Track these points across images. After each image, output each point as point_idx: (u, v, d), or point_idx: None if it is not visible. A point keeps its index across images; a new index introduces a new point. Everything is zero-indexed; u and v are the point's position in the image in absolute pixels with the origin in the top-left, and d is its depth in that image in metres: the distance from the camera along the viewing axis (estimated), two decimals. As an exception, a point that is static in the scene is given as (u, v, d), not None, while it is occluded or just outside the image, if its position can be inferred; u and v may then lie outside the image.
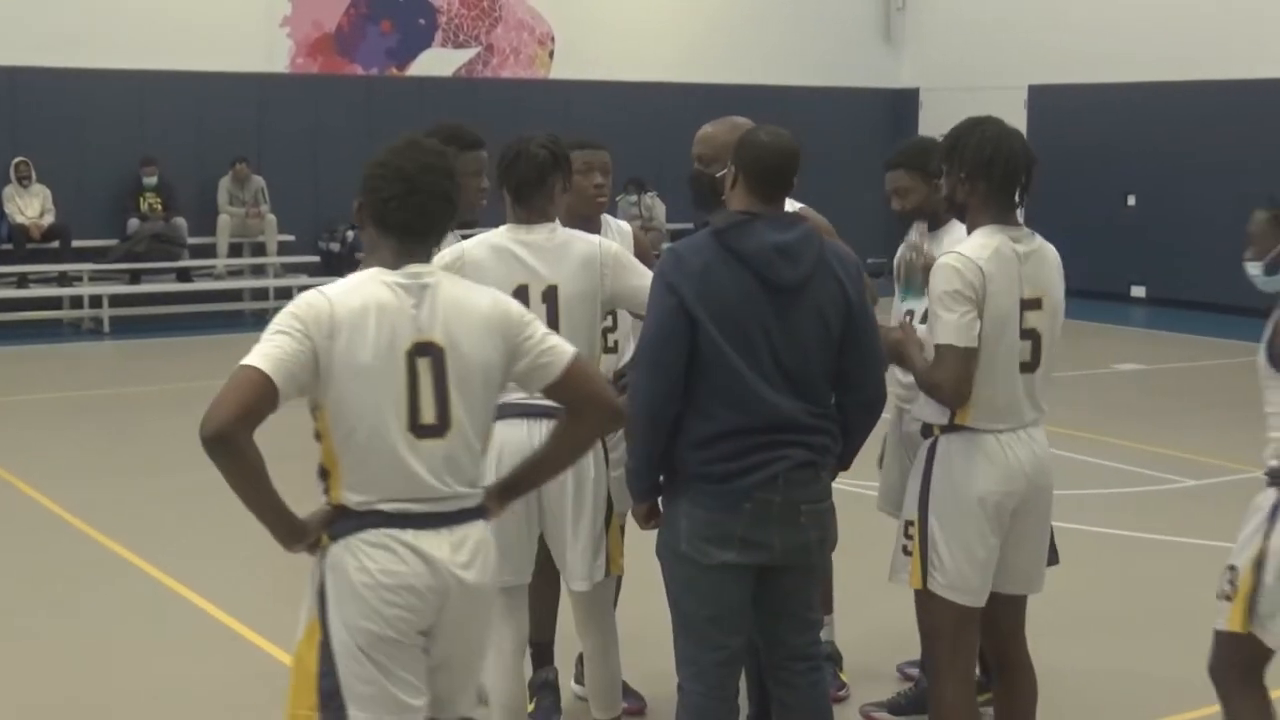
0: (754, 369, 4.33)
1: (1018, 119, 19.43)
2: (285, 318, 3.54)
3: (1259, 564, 4.51)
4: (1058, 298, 4.75)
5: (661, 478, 4.53)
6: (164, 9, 18.27)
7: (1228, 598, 4.60)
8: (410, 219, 3.66)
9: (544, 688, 5.90)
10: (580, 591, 5.00)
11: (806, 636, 4.60)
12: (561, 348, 3.79)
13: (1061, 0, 20.97)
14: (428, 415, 3.60)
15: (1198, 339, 16.35)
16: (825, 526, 4.52)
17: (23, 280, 17.30)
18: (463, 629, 3.71)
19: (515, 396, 4.77)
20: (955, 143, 4.69)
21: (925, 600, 4.73)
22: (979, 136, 4.64)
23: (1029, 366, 4.67)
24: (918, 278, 5.21)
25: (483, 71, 20.50)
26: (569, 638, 5.68)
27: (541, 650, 5.91)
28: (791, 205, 5.69)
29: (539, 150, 4.93)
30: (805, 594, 4.58)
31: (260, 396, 3.40)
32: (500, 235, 4.93)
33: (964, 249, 4.58)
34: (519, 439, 4.77)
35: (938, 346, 4.55)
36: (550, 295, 4.84)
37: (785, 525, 4.39)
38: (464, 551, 3.65)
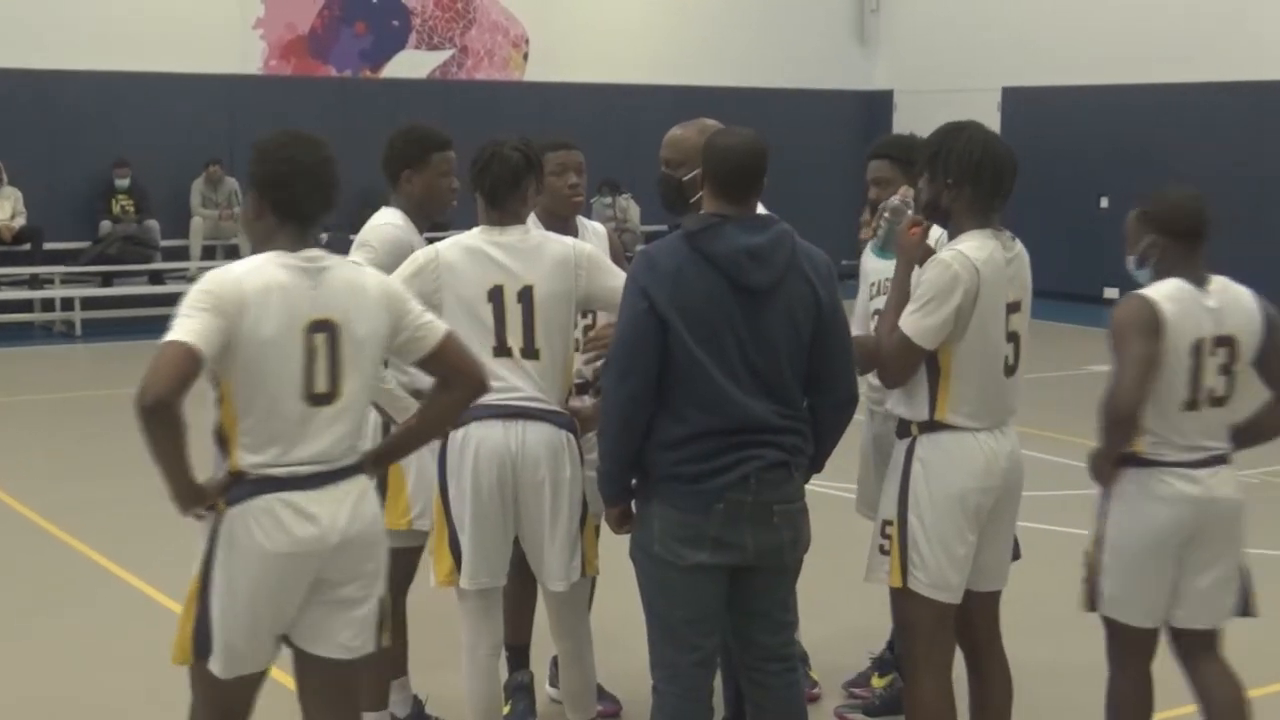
0: (725, 371, 4.34)
1: (991, 121, 19.50)
2: (200, 295, 3.83)
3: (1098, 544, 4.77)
4: (1029, 300, 4.80)
5: (634, 480, 4.53)
6: (136, 10, 18.19)
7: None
8: (313, 208, 4.02)
9: (518, 690, 5.88)
10: (556, 593, 4.99)
11: (780, 637, 4.60)
12: (436, 324, 4.15)
13: (1036, 3, 21.04)
14: (321, 385, 3.93)
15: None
16: (798, 527, 4.52)
17: (-7, 283, 17.23)
18: (347, 575, 4.00)
19: (490, 398, 4.78)
20: (940, 148, 4.67)
21: (904, 599, 4.73)
22: (965, 141, 4.64)
23: (1011, 369, 4.70)
24: (894, 240, 5.12)
25: (457, 73, 20.47)
26: (543, 641, 5.66)
27: (517, 653, 5.90)
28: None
29: (512, 153, 4.94)
30: (779, 594, 4.58)
31: (191, 367, 3.71)
32: (473, 237, 4.93)
33: (963, 247, 4.58)
34: (495, 438, 4.80)
35: (902, 334, 4.57)
36: (525, 295, 4.84)
37: (758, 526, 4.39)
38: (345, 506, 3.97)
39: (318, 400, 3.93)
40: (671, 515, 4.40)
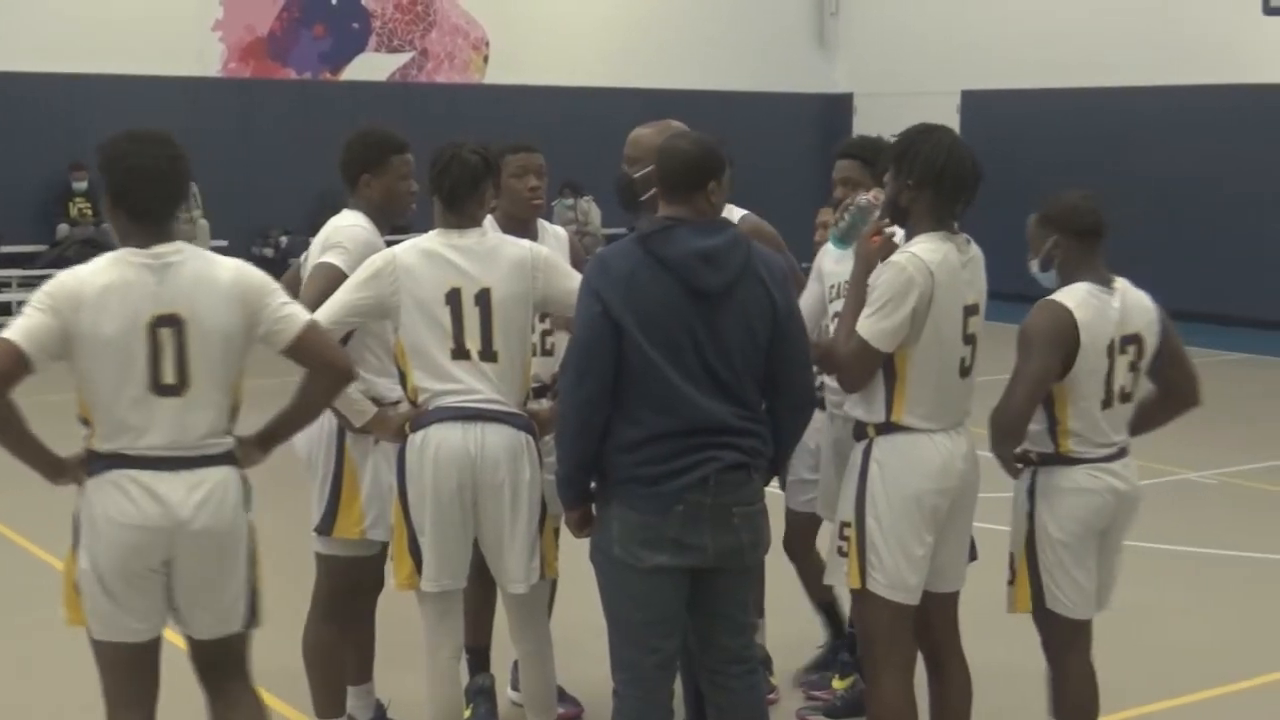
0: (681, 373, 4.35)
1: (951, 123, 19.51)
2: (40, 296, 4.13)
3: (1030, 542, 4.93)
4: (985, 302, 4.86)
5: (593, 484, 4.53)
6: (94, 12, 18.10)
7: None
8: (163, 208, 4.21)
9: (480, 694, 5.87)
10: (516, 595, 4.98)
11: (741, 639, 4.61)
12: (297, 316, 4.29)
13: (995, 6, 21.15)
14: (168, 377, 4.12)
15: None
16: (758, 529, 4.53)
17: (-50, 287, 17.11)
18: (199, 562, 4.22)
19: (449, 400, 4.77)
20: (907, 149, 4.70)
21: (863, 600, 4.75)
22: (932, 145, 4.66)
23: (966, 370, 4.72)
24: (858, 225, 5.10)
25: (417, 76, 20.43)
26: (504, 644, 5.65)
27: (477, 656, 5.89)
28: (738, 213, 5.73)
29: (471, 156, 4.93)
30: (739, 596, 4.59)
31: (13, 363, 4.02)
32: (430, 240, 4.92)
33: (918, 250, 4.60)
34: (454, 440, 4.79)
35: (860, 338, 4.58)
36: (483, 298, 4.83)
37: (717, 527, 4.40)
38: (198, 493, 4.16)
39: (165, 391, 4.13)
40: (631, 517, 4.41)
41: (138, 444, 4.14)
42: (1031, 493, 4.90)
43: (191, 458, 4.18)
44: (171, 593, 4.27)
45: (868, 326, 4.58)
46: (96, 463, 4.19)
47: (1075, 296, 4.80)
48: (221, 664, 4.44)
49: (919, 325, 4.60)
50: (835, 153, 5.77)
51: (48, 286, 4.16)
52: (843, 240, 5.16)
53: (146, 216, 4.20)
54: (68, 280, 4.16)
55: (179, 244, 4.22)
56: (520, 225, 5.49)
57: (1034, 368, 4.71)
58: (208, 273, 4.20)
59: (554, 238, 5.74)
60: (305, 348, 4.29)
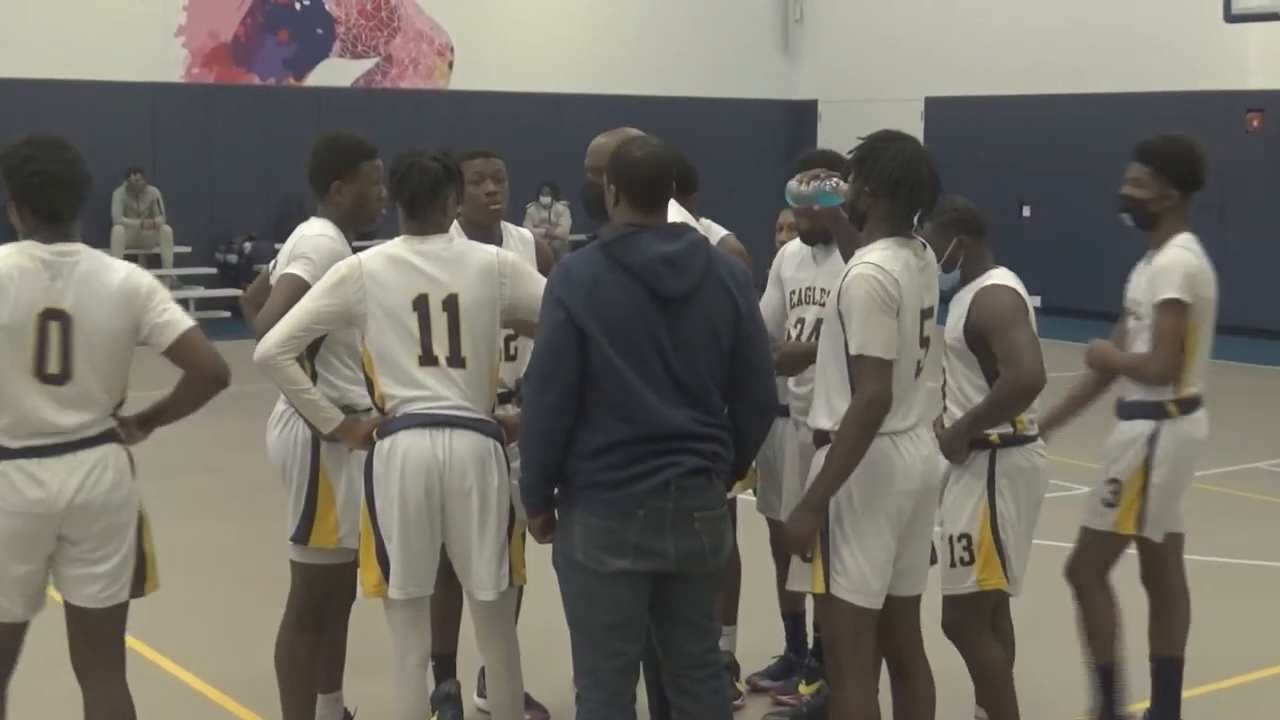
0: (644, 379, 4.37)
1: (914, 130, 19.41)
2: None
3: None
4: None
5: (555, 489, 4.55)
6: (57, 17, 18.01)
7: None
8: (65, 209, 4.44)
9: (446, 700, 5.87)
10: (484, 601, 4.96)
11: (705, 643, 4.62)
12: (177, 321, 4.52)
13: (958, 13, 21.24)
14: (53, 367, 4.39)
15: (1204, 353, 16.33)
16: (720, 534, 4.55)
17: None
18: (81, 534, 4.47)
19: (416, 407, 4.76)
20: (867, 154, 4.72)
21: (827, 605, 4.76)
22: (891, 155, 4.67)
23: (919, 372, 4.76)
24: (806, 204, 5.11)
25: (381, 82, 20.40)
26: (470, 650, 5.65)
27: (443, 662, 5.88)
28: (718, 232, 5.76)
29: (431, 163, 4.90)
30: (702, 601, 4.60)
31: None
32: (396, 246, 4.90)
33: (876, 259, 4.61)
34: (421, 447, 4.77)
35: (864, 358, 4.55)
36: (450, 303, 4.82)
37: (679, 533, 4.42)
38: (79, 473, 4.43)
39: (49, 380, 4.39)
40: (593, 522, 4.42)
41: (22, 429, 4.41)
42: (992, 474, 5.17)
43: (71, 442, 4.44)
44: (59, 568, 4.55)
45: (873, 345, 4.54)
46: None
47: (1010, 279, 5.20)
48: (101, 636, 4.62)
49: (884, 331, 4.64)
50: (794, 164, 5.77)
51: None
52: (797, 200, 5.15)
53: (52, 218, 4.45)
54: None
55: (78, 245, 4.47)
56: (482, 230, 5.48)
57: (1027, 333, 5.05)
58: (98, 274, 4.45)
59: (519, 241, 5.74)
60: (182, 352, 4.53)
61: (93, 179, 4.58)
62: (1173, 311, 5.44)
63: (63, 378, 4.41)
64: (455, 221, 5.25)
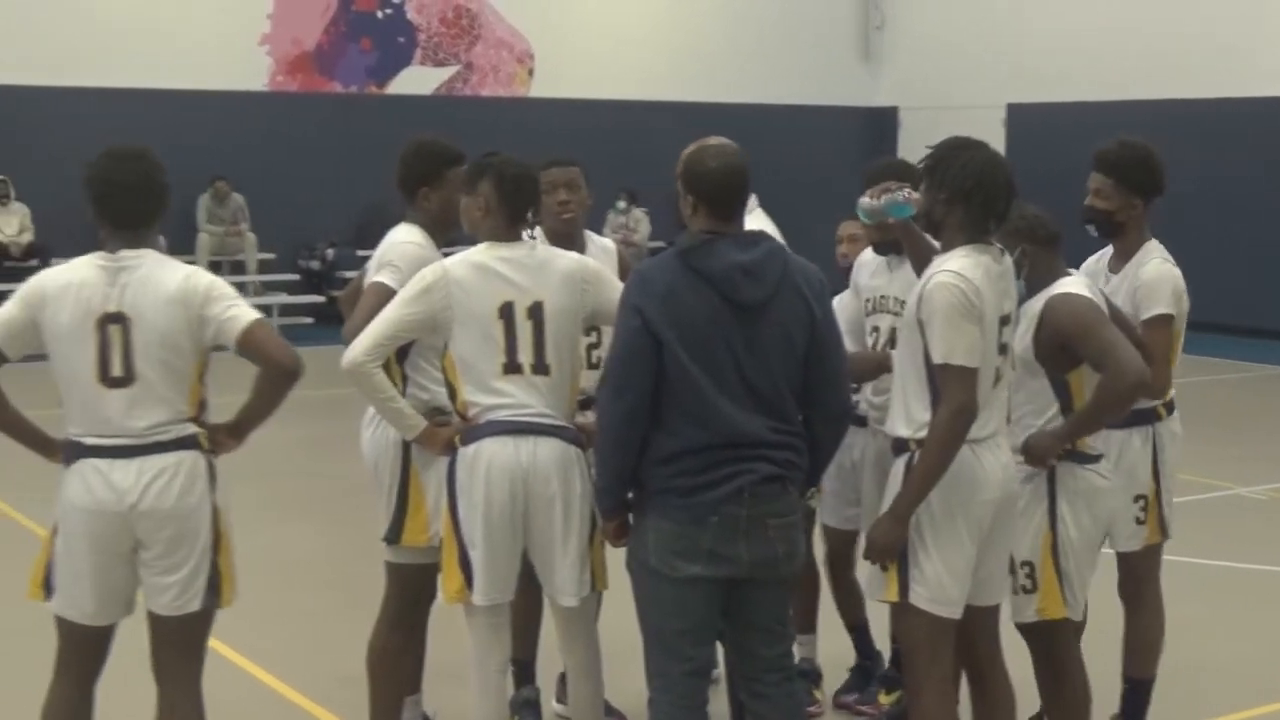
0: (719, 387, 4.39)
1: (996, 137, 19.51)
2: (16, 293, 4.61)
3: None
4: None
5: (630, 494, 4.57)
6: (144, 28, 18.26)
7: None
8: (132, 219, 4.58)
9: (525, 706, 5.89)
10: (566, 607, 4.98)
11: (778, 649, 4.64)
12: (241, 316, 4.54)
13: (1040, 19, 21.07)
14: (116, 370, 4.50)
15: (1182, 356, 16.19)
16: (793, 540, 4.57)
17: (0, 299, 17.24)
18: (151, 540, 4.52)
19: (501, 415, 4.79)
20: (939, 163, 4.71)
21: (904, 614, 4.74)
22: (964, 161, 4.66)
23: (998, 380, 4.72)
24: (884, 208, 5.07)
25: (462, 89, 20.52)
26: (549, 657, 5.67)
27: (522, 668, 5.90)
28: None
29: (506, 169, 4.94)
30: (775, 607, 4.62)
31: None
32: (480, 253, 4.93)
33: (957, 267, 4.59)
34: (506, 454, 4.80)
35: (949, 367, 4.53)
36: (535, 311, 4.85)
37: (752, 539, 4.44)
38: (147, 478, 4.49)
39: (113, 383, 4.49)
40: (666, 528, 4.45)
41: (93, 431, 4.52)
42: (1053, 497, 4.97)
43: (141, 445, 4.51)
44: (140, 573, 4.60)
45: (957, 354, 4.52)
46: (69, 450, 4.59)
47: (1078, 284, 5.01)
48: (177, 643, 4.66)
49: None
50: (863, 175, 5.74)
51: (23, 285, 4.65)
52: (869, 216, 5.14)
53: (122, 227, 4.59)
54: (39, 277, 4.64)
55: (145, 251, 4.58)
56: (561, 239, 5.50)
57: (1115, 332, 4.90)
58: (157, 277, 4.53)
59: (601, 250, 5.76)
60: (251, 345, 4.54)
61: (170, 189, 4.68)
62: (1164, 326, 5.46)
63: (127, 380, 4.50)
64: (540, 228, 5.28)
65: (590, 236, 5.78)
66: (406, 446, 5.18)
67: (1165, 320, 5.47)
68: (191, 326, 4.52)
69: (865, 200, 5.10)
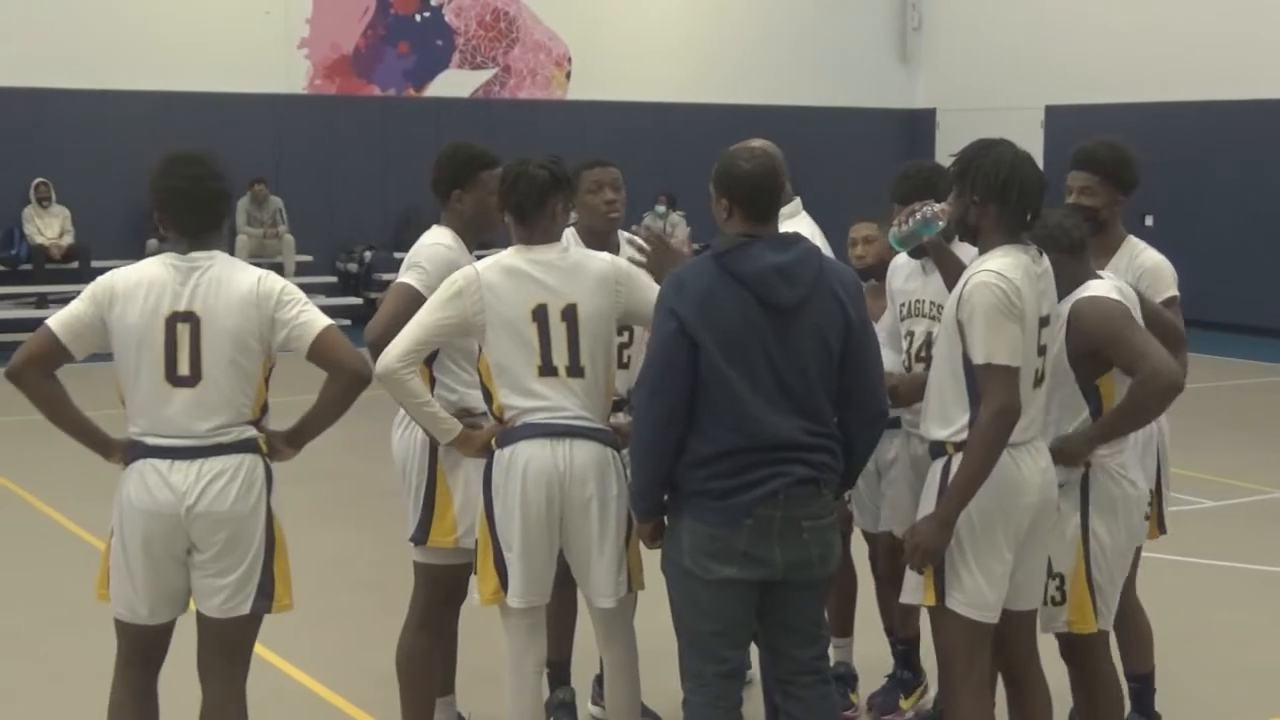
0: (755, 389, 4.39)
1: (1035, 139, 19.44)
2: (88, 287, 4.65)
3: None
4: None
5: (665, 496, 4.58)
6: (183, 31, 18.36)
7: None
8: (194, 224, 4.57)
9: (561, 708, 5.90)
10: (604, 608, 4.99)
11: (812, 650, 4.64)
12: (313, 322, 4.56)
13: (1079, 21, 20.97)
14: (183, 369, 4.51)
15: (1220, 360, 15.78)
16: (828, 543, 4.56)
17: (42, 300, 17.35)
18: (204, 543, 4.53)
19: (537, 417, 4.79)
20: (967, 166, 4.69)
21: (941, 618, 4.72)
22: (993, 160, 4.64)
23: (1038, 382, 4.70)
24: (918, 232, 5.06)
25: (500, 92, 20.56)
26: (583, 658, 5.67)
27: (557, 670, 5.91)
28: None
29: (538, 171, 4.92)
30: (810, 609, 4.63)
31: (47, 348, 4.57)
32: (511, 256, 4.93)
33: (996, 266, 4.57)
34: (543, 457, 4.81)
35: (991, 367, 4.50)
36: (569, 313, 4.85)
37: (787, 541, 4.44)
38: (205, 479, 4.50)
39: (179, 382, 4.51)
40: (700, 530, 4.46)
41: (155, 430, 4.53)
42: (1085, 507, 4.90)
43: (203, 447, 4.52)
44: (192, 575, 4.61)
45: (998, 353, 4.50)
46: (130, 450, 4.59)
47: (1105, 288, 4.92)
48: (224, 646, 4.68)
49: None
50: (893, 181, 5.71)
51: (91, 284, 4.65)
52: (902, 243, 5.13)
53: (183, 231, 4.59)
54: (107, 278, 4.63)
55: (214, 252, 4.60)
56: (600, 238, 5.51)
57: (1146, 332, 4.85)
58: (229, 277, 4.56)
59: (627, 245, 5.76)
60: (322, 351, 4.56)
61: (230, 194, 4.72)
62: (1177, 308, 5.52)
63: (193, 379, 4.50)
64: (572, 229, 5.28)
65: (625, 236, 5.79)
66: (434, 447, 5.19)
67: (1176, 302, 5.54)
68: (262, 329, 4.54)
69: (894, 230, 5.09)
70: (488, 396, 4.96)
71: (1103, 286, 4.93)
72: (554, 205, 4.96)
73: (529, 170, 4.92)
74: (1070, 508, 4.89)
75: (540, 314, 4.83)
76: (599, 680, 5.80)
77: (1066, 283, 4.91)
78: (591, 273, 4.91)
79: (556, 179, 4.96)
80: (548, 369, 4.85)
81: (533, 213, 4.92)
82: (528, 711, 5.02)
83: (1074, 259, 4.93)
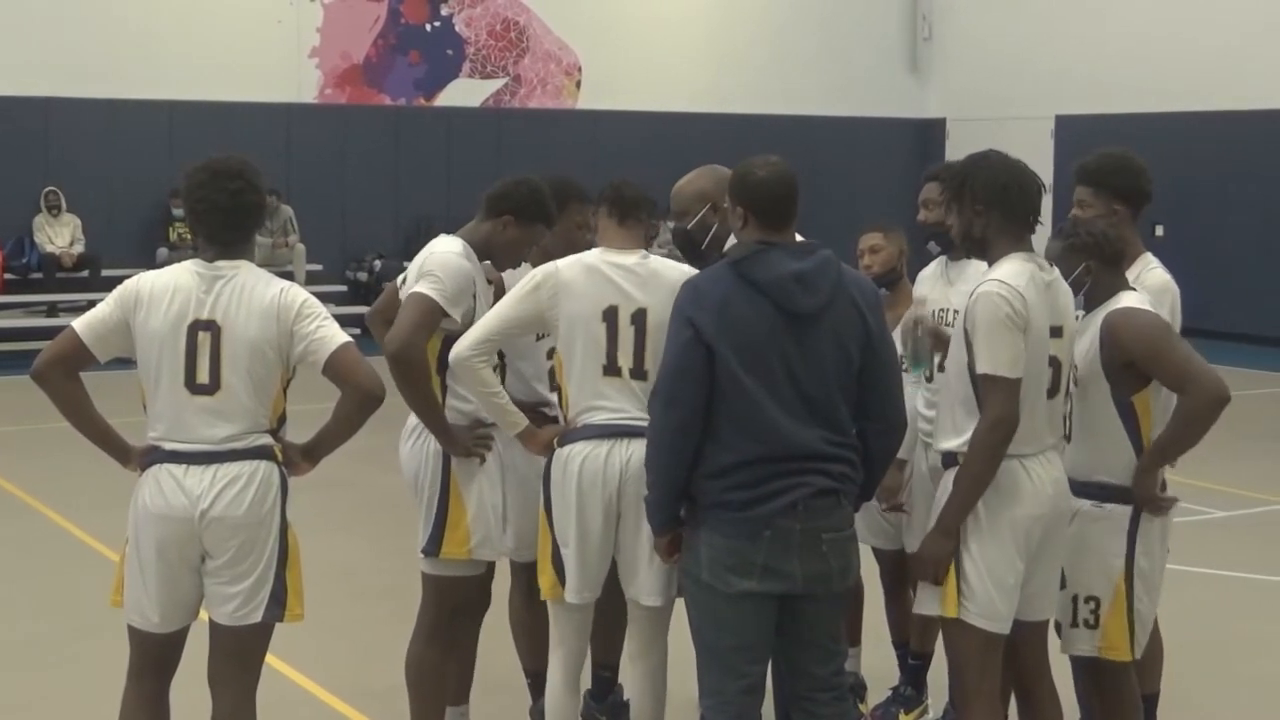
0: (773, 398, 4.37)
1: (1045, 149, 19.44)
2: (111, 294, 4.65)
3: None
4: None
5: (682, 509, 4.56)
6: (194, 40, 18.39)
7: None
8: (226, 234, 4.63)
9: (618, 709, 5.85)
10: (648, 608, 5.00)
11: (830, 666, 4.61)
12: (331, 338, 4.57)
13: (1089, 30, 20.96)
14: (203, 376, 4.54)
15: (1232, 370, 16.00)
16: (847, 555, 4.54)
17: (53, 309, 17.39)
18: (217, 549, 4.54)
19: (598, 418, 4.87)
20: (964, 178, 4.71)
21: (954, 629, 4.71)
22: (989, 167, 4.69)
23: (1051, 392, 4.68)
24: (923, 347, 5.24)
25: (510, 102, 20.57)
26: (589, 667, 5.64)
27: (612, 672, 5.87)
28: None
29: (634, 187, 5.17)
30: (829, 623, 4.59)
31: (71, 350, 4.59)
32: (594, 256, 5.05)
33: (1003, 276, 4.57)
34: (600, 457, 4.90)
35: (990, 378, 4.51)
36: (639, 318, 4.94)
37: (806, 554, 4.41)
38: (219, 486, 4.51)
39: (199, 389, 4.53)
40: (719, 543, 4.43)
41: (173, 435, 4.55)
42: (1134, 532, 4.85)
43: (219, 452, 4.54)
44: (205, 582, 4.61)
45: (998, 364, 4.50)
46: (147, 455, 4.61)
47: (1139, 299, 4.90)
48: (235, 654, 4.68)
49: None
50: (924, 176, 5.81)
51: (118, 288, 4.66)
52: (916, 364, 5.30)
53: (212, 240, 4.64)
54: (133, 282, 4.65)
55: (240, 262, 4.64)
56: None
57: (1188, 346, 4.81)
58: (253, 288, 4.59)
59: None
60: (337, 368, 4.56)
61: (264, 206, 4.77)
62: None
63: (212, 387, 4.53)
64: (655, 239, 5.36)
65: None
66: (447, 458, 5.21)
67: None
68: (281, 340, 4.56)
69: (907, 356, 5.27)
70: (560, 394, 5.06)
71: (1137, 298, 4.91)
72: (641, 214, 5.13)
73: (628, 181, 5.17)
74: (1115, 531, 4.86)
75: (610, 315, 4.92)
76: (591, 694, 5.81)
77: (1102, 293, 4.90)
78: (668, 282, 4.93)
79: (647, 197, 5.17)
80: (611, 368, 4.93)
81: (628, 217, 5.08)
82: (564, 706, 5.08)
83: (1112, 269, 4.93)
